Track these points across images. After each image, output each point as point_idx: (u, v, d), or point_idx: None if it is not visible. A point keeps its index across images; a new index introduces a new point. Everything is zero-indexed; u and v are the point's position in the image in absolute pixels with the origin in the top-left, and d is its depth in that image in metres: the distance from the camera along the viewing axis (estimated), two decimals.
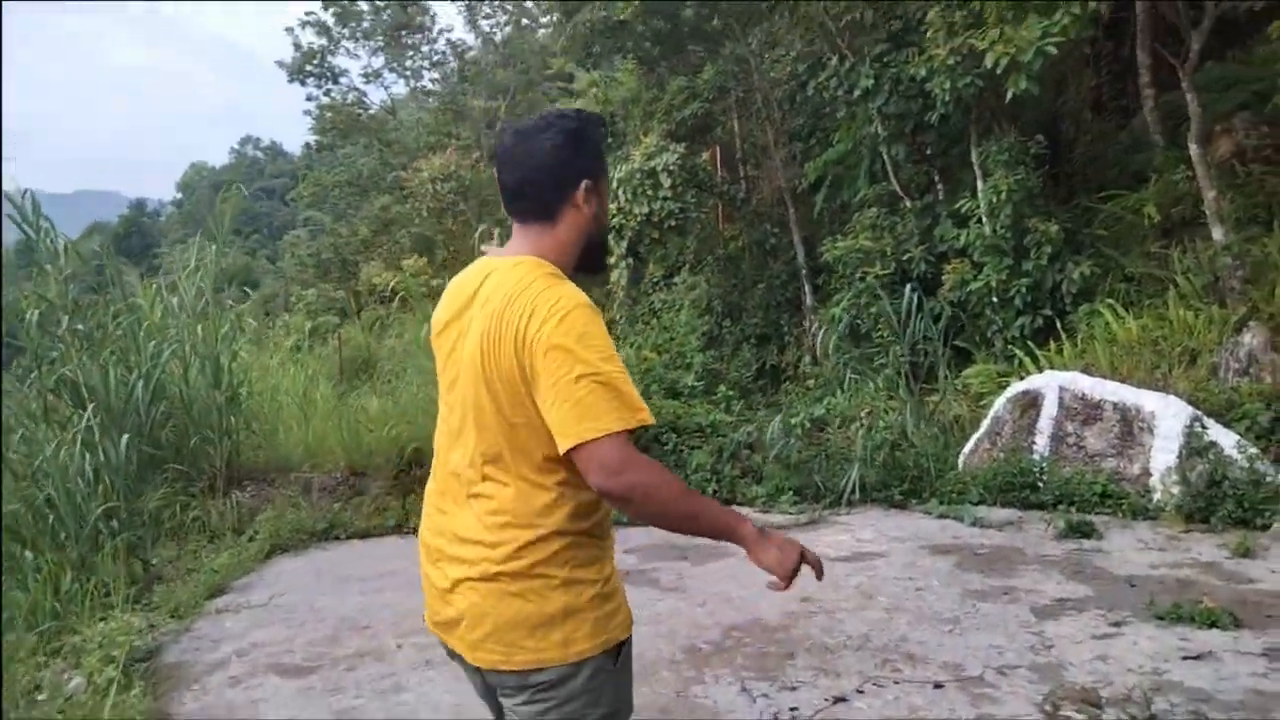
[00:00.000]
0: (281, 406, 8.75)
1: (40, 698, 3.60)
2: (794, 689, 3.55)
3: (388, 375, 11.18)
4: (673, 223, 13.88)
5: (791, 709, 3.36)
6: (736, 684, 3.63)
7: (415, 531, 6.56)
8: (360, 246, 24.36)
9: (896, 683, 3.56)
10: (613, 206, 13.72)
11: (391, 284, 15.24)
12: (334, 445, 8.05)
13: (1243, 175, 8.73)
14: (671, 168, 13.44)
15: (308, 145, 33.15)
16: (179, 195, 67.24)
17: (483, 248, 1.97)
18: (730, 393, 10.84)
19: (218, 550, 6.16)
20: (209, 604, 5.10)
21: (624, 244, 13.77)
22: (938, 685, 3.51)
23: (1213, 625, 3.98)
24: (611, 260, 14.08)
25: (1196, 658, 3.65)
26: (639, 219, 13.53)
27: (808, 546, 1.76)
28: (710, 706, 3.43)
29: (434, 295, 14.38)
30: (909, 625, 4.23)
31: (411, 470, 7.62)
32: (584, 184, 1.77)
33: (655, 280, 15.94)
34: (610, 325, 15.44)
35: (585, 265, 1.83)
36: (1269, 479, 5.83)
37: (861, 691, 3.50)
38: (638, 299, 15.27)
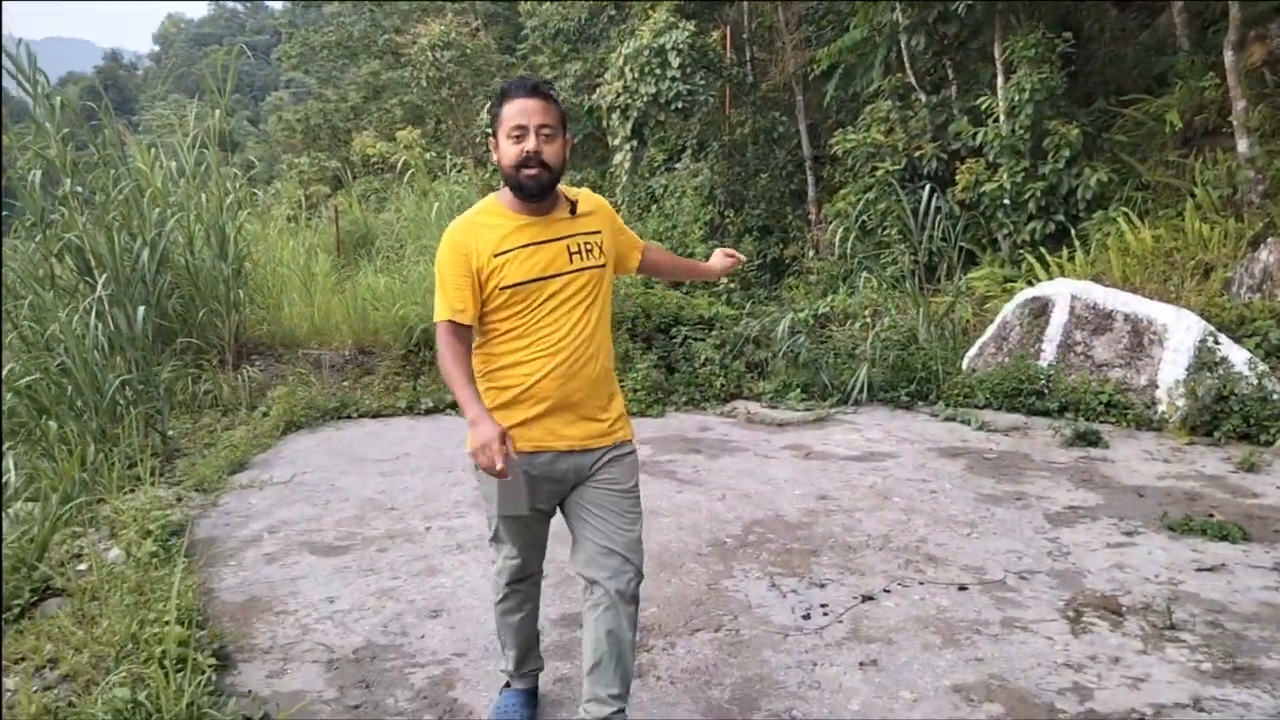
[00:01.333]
0: (284, 280, 8.62)
1: (81, 567, 3.64)
2: (822, 586, 3.66)
3: (387, 251, 11.00)
4: (679, 105, 13.50)
5: (822, 605, 3.46)
6: (765, 579, 3.73)
7: (427, 414, 6.61)
8: (350, 114, 23.61)
9: (921, 583, 3.67)
10: (618, 85, 13.29)
11: (389, 155, 14.82)
12: (340, 322, 7.99)
13: (1273, 85, 8.54)
14: (681, 46, 12.97)
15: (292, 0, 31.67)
16: (155, 48, 64.44)
17: None
18: (732, 285, 10.80)
19: (232, 425, 6.17)
20: (232, 479, 5.14)
21: (629, 125, 13.41)
22: (962, 588, 3.62)
23: (1223, 538, 4.11)
24: (616, 142, 13.74)
25: (1210, 570, 3.78)
26: (645, 99, 13.13)
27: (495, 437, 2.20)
28: (742, 600, 3.53)
29: (430, 169, 14.02)
30: (927, 527, 4.34)
31: (420, 352, 7.59)
32: (490, 139, 2.43)
33: (656, 165, 15.61)
34: (613, 209, 15.20)
35: (517, 193, 2.39)
36: (1276, 396, 5.93)
37: (888, 591, 3.61)
38: (637, 183, 15.00)
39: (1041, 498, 4.82)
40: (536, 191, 2.35)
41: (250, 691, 2.85)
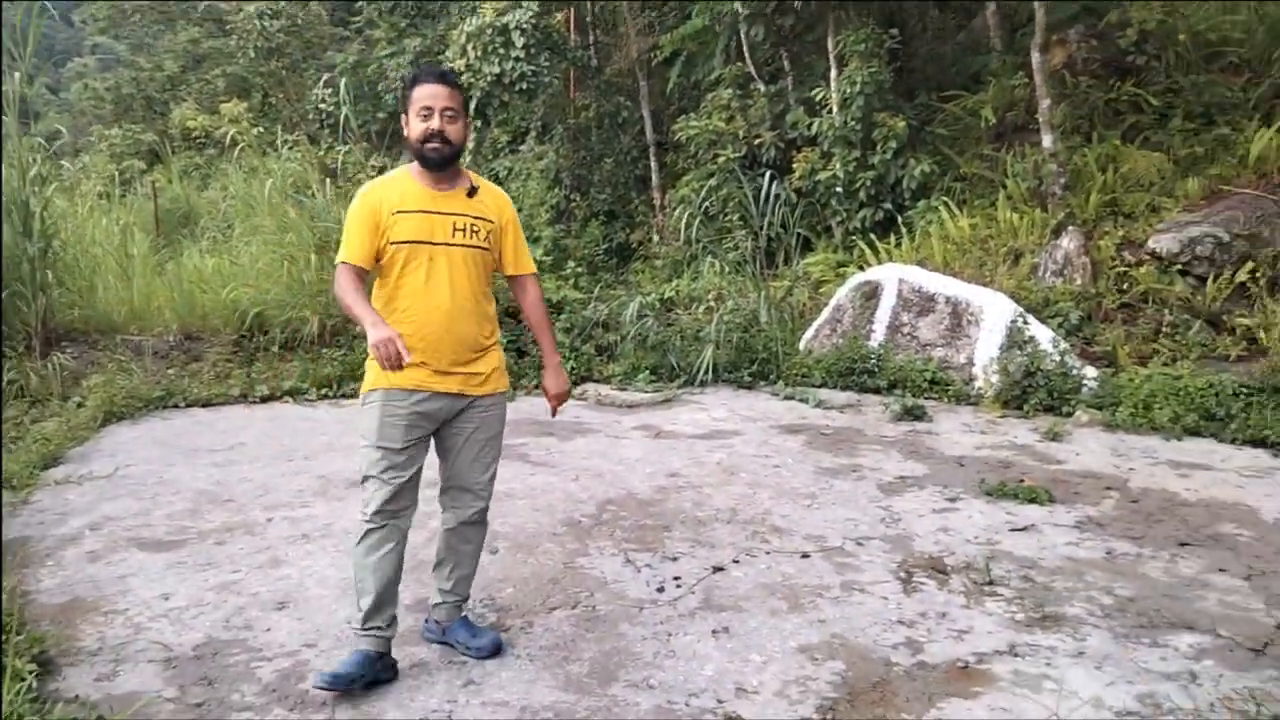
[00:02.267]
0: (97, 261, 7.98)
1: None
2: (675, 559, 3.76)
3: (212, 232, 10.37)
4: (523, 86, 13.37)
5: (675, 578, 3.56)
6: (620, 555, 3.80)
7: (263, 401, 6.34)
8: (166, 84, 22.00)
9: (768, 553, 3.84)
10: (461, 63, 13.02)
11: (212, 129, 13.94)
12: (163, 306, 7.50)
13: (1071, 86, 9.33)
14: (525, 26, 12.85)
15: None
16: None
17: None
18: (579, 269, 10.83)
19: (42, 416, 5.69)
20: (45, 475, 4.74)
21: (472, 105, 13.16)
22: (804, 555, 3.81)
23: (1033, 501, 4.50)
24: None
25: (1022, 529, 4.14)
26: (489, 79, 12.93)
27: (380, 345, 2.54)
28: (598, 577, 3.58)
29: (258, 144, 13.31)
30: (771, 500, 4.53)
31: (254, 337, 7.24)
32: (402, 115, 2.87)
33: (500, 146, 15.41)
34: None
35: (422, 164, 2.82)
36: (1075, 371, 6.53)
37: (737, 561, 3.75)
38: (481, 165, 14.77)
39: (874, 469, 5.13)
40: (438, 162, 2.77)
41: (78, 696, 2.65)
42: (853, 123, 9.85)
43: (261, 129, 14.68)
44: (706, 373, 7.51)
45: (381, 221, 2.74)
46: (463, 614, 3.03)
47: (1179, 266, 7.20)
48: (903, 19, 11.58)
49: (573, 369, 7.62)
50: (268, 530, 4.07)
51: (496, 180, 14.23)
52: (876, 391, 7.07)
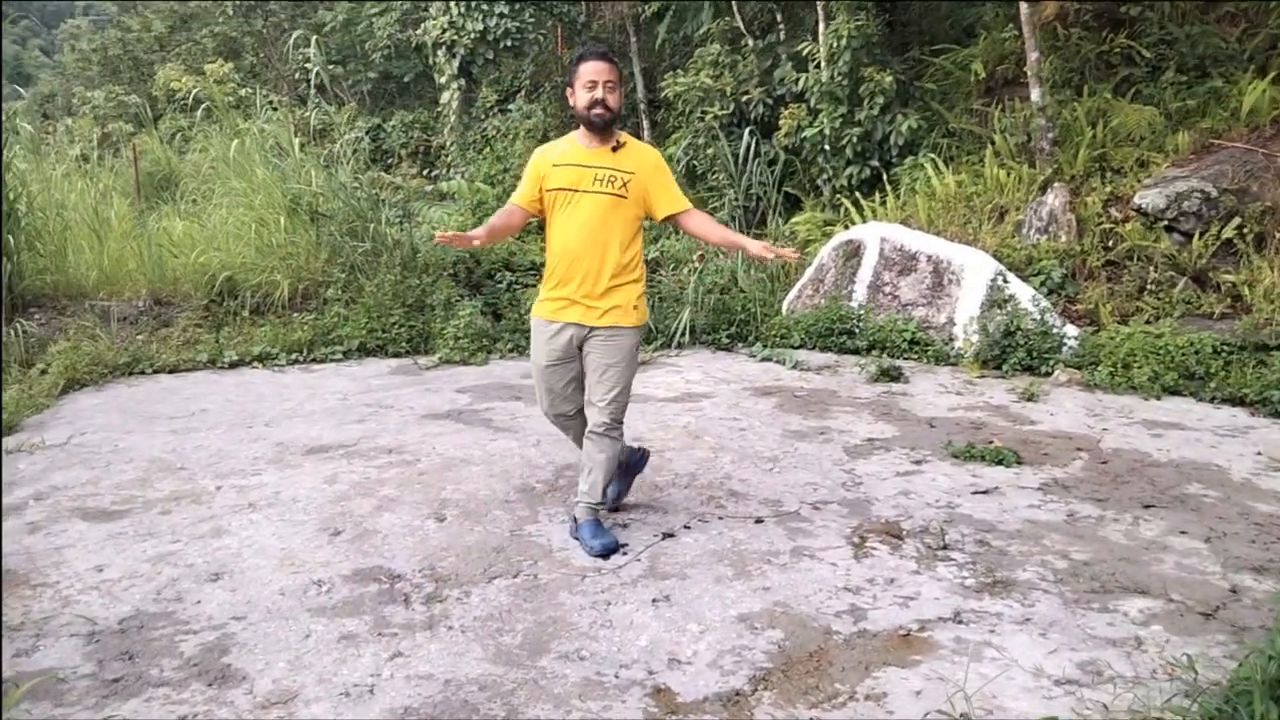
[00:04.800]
0: (69, 225, 7.87)
1: None
2: (625, 526, 3.69)
3: (193, 195, 10.23)
4: (509, 43, 13.12)
5: (622, 545, 3.49)
6: (570, 522, 3.72)
7: (231, 367, 6.27)
8: (154, 44, 21.71)
9: (721, 519, 3.77)
10: (444, 20, 12.79)
11: (198, 91, 13.74)
12: (134, 271, 7.40)
13: (1063, 38, 9.09)
14: None
15: None
16: None
17: None
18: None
19: (5, 385, 5.61)
20: None
21: (455, 62, 12.95)
22: (758, 520, 3.74)
23: (999, 463, 4.42)
24: (443, 80, 13.25)
25: (985, 492, 4.05)
26: (473, 36, 12.71)
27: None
28: (544, 545, 3.51)
29: (243, 105, 13.09)
30: (733, 464, 4.45)
31: (224, 301, 7.14)
32: (568, 88, 3.42)
33: (489, 105, 15.15)
34: (439, 151, 14.69)
35: (588, 127, 3.37)
36: (1055, 330, 6.41)
37: (689, 528, 3.68)
38: (470, 125, 14.55)
39: (843, 432, 5.04)
40: (601, 125, 3.32)
41: None
42: (839, 78, 9.63)
43: (249, 90, 14.48)
44: (684, 335, 7.41)
45: (543, 172, 3.39)
46: (595, 516, 3.51)
47: (1165, 223, 7.04)
48: None
49: None
50: (215, 499, 4.01)
51: (485, 141, 14.05)
52: (855, 352, 6.97)
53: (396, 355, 7.16)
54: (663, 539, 3.57)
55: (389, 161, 15.79)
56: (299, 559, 3.38)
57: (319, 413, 5.48)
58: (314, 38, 10.38)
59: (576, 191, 3.33)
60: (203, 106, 11.23)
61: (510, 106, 14.78)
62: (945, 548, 3.44)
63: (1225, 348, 5.80)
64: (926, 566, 3.29)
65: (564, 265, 3.36)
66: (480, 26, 12.54)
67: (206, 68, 16.00)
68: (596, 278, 3.34)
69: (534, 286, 8.06)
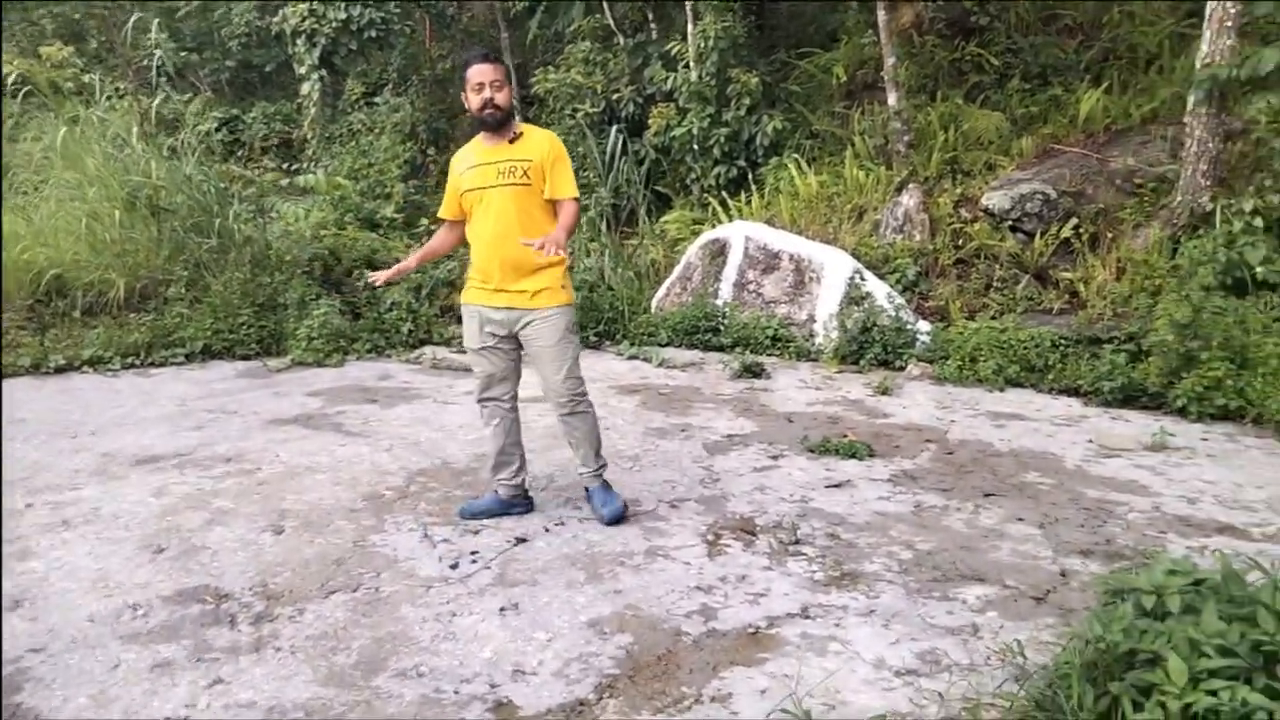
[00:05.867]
0: None
1: None
2: (477, 533, 3.56)
3: (22, 187, 9.45)
4: (374, 34, 12.69)
5: (473, 553, 3.37)
6: (418, 530, 3.57)
7: (57, 372, 5.77)
8: None
9: (579, 521, 3.69)
10: (303, 8, 12.27)
11: (32, 74, 12.72)
12: None
13: (918, 45, 9.43)
14: None
15: None
16: None
17: None
18: (434, 227, 10.38)
19: None
20: None
21: (316, 52, 12.44)
22: (610, 523, 3.67)
23: (853, 456, 4.51)
24: (303, 70, 12.71)
25: (837, 486, 4.12)
26: (334, 25, 12.23)
27: None
28: (388, 555, 3.35)
29: (85, 91, 12.20)
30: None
31: (52, 301, 6.61)
32: (462, 94, 3.52)
33: (355, 98, 14.64)
34: (301, 144, 14.09)
35: (483, 128, 3.50)
36: (909, 326, 6.62)
37: (548, 530, 3.58)
38: (335, 117, 14.01)
39: (704, 428, 5.05)
40: (495, 124, 3.44)
41: None
42: (707, 78, 9.72)
43: (91, 76, 13.51)
44: None
45: (457, 180, 3.53)
46: (601, 480, 3.70)
47: (1010, 223, 7.38)
48: None
49: (410, 331, 7.30)
50: (24, 517, 3.66)
51: (351, 134, 13.56)
52: (721, 350, 7.03)
53: (245, 357, 6.79)
54: (516, 544, 3.46)
55: (248, 154, 15.06)
56: (114, 581, 3.11)
57: (152, 420, 5.12)
58: (156, 21, 9.74)
59: (485, 189, 3.44)
60: (22, 92, 10.38)
61: (377, 100, 14.33)
62: (797, 543, 3.47)
63: (1063, 342, 6.11)
64: (778, 562, 3.30)
65: (484, 259, 3.48)
66: (343, 15, 12.08)
67: (43, 50, 14.85)
68: (517, 265, 3.44)
69: (396, 284, 7.81)
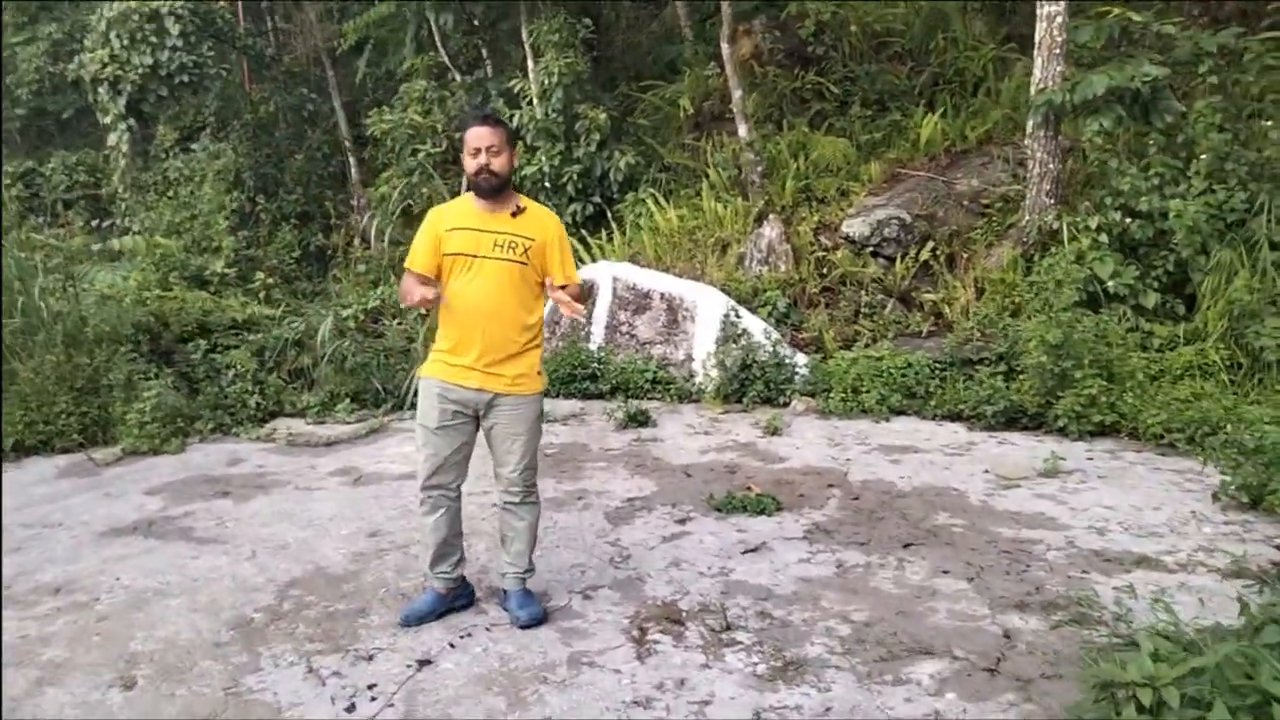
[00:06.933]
0: None
1: None
2: (370, 659, 3.11)
3: None
4: (185, 78, 11.76)
5: (370, 686, 2.92)
6: (301, 663, 3.09)
7: None
8: None
9: (487, 629, 3.30)
10: (104, 53, 11.23)
11: None
12: None
13: (760, 76, 9.53)
14: (180, 12, 11.32)
15: None
16: None
17: None
18: (270, 281, 9.71)
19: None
20: None
21: (122, 100, 11.40)
22: (523, 626, 3.31)
23: (761, 512, 4.32)
24: (108, 120, 11.62)
25: (754, 549, 3.91)
26: (141, 71, 11.25)
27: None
28: (269, 702, 2.86)
29: None
30: (488, 553, 3.99)
31: None
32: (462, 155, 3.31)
33: (169, 145, 13.56)
34: (111, 198, 12.89)
35: (476, 192, 3.28)
36: (787, 360, 6.56)
37: (453, 646, 3.18)
38: (147, 165, 12.91)
39: (601, 493, 4.75)
40: (488, 190, 3.24)
41: None
42: (554, 114, 9.50)
43: None
44: (415, 395, 6.81)
45: (440, 236, 3.25)
46: (524, 585, 3.41)
47: (871, 248, 7.48)
48: (596, 8, 11.38)
49: (258, 404, 6.64)
50: None
51: (167, 183, 12.51)
52: (600, 396, 6.76)
53: (66, 450, 5.97)
54: (419, 669, 3.04)
55: (50, 211, 13.66)
56: None
57: None
58: None
59: (476, 257, 3.21)
60: None
61: (194, 146, 13.30)
62: (729, 628, 3.21)
63: (938, 366, 6.19)
64: (714, 656, 3.03)
65: (463, 332, 3.23)
66: (149, 60, 11.12)
67: None
68: (501, 345, 3.23)
69: (235, 348, 7.12)
